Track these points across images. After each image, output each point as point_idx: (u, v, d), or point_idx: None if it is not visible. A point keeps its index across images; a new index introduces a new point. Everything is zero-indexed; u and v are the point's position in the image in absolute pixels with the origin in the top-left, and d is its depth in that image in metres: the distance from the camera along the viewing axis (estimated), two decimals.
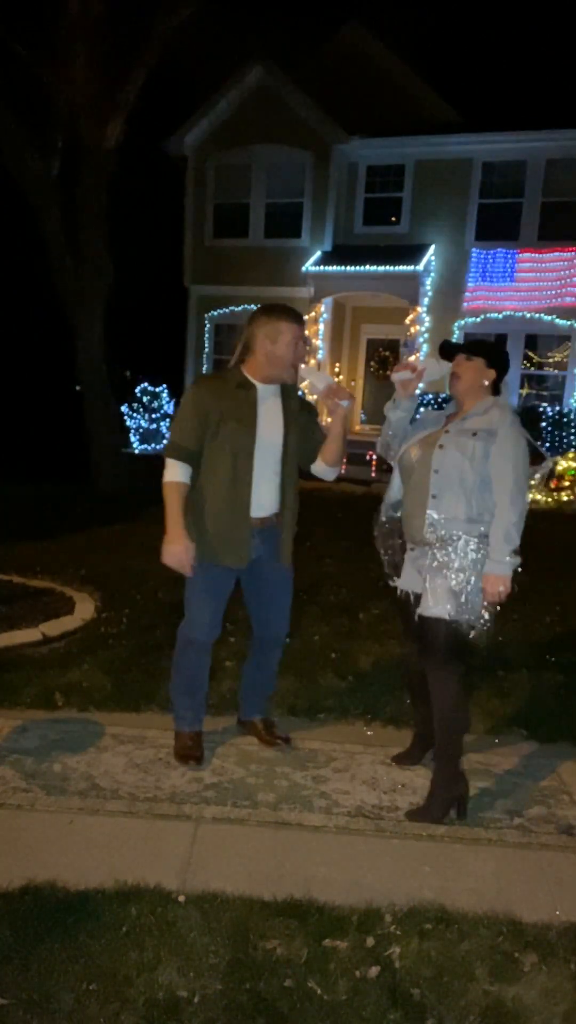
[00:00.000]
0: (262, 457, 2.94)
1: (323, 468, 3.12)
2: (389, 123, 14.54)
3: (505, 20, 22.13)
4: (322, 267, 14.41)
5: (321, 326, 14.60)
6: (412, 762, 3.22)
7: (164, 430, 15.97)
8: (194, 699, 3.20)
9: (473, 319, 14.70)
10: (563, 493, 11.00)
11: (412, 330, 14.38)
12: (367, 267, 14.04)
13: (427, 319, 14.65)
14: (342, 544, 7.02)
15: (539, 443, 12.26)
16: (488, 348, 2.93)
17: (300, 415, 3.04)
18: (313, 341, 14.31)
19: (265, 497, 2.98)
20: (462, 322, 14.72)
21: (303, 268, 14.57)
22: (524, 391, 14.62)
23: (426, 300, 14.68)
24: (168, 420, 15.96)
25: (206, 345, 16.17)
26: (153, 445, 15.65)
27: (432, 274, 14.76)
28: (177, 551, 2.90)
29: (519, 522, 2.72)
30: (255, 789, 2.99)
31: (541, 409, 13.16)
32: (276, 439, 2.97)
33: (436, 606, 2.76)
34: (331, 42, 15.95)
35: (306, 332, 3.03)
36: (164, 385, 16.27)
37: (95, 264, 10.34)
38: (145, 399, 16.08)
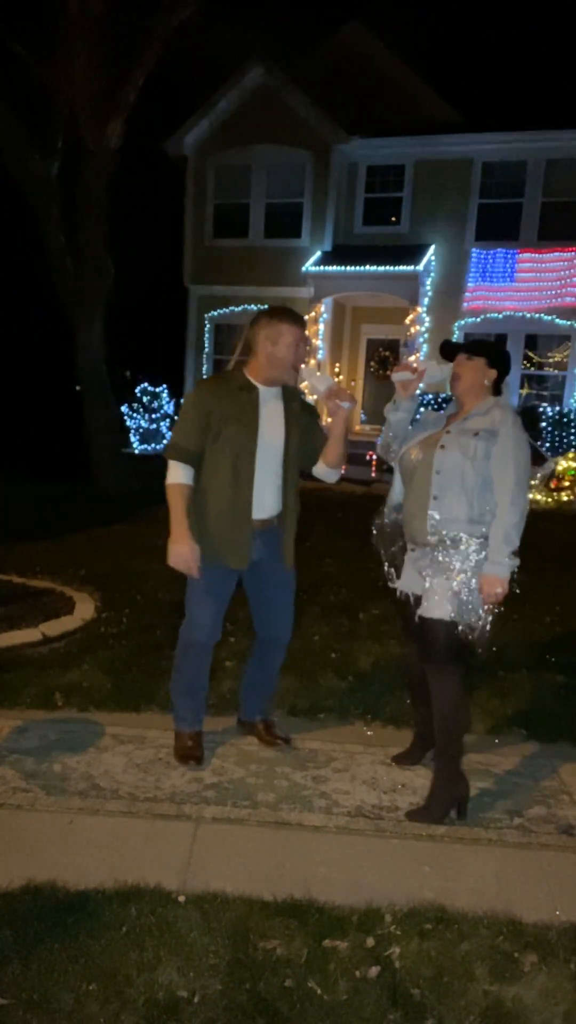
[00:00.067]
0: (264, 459, 2.94)
1: (324, 470, 3.12)
2: (389, 123, 14.53)
3: (505, 20, 22.16)
4: (322, 267, 14.39)
5: (321, 326, 14.58)
6: (412, 762, 3.22)
7: (164, 430, 15.97)
8: (194, 699, 3.20)
9: (473, 319, 14.69)
10: (563, 493, 11.00)
11: (412, 330, 14.37)
12: (367, 267, 14.03)
13: (427, 319, 14.65)
14: (342, 544, 7.02)
15: (539, 443, 12.28)
16: (489, 348, 2.92)
17: (301, 417, 3.05)
18: (313, 341, 14.30)
19: (267, 499, 2.99)
20: (462, 322, 14.71)
21: (303, 268, 14.56)
22: (524, 391, 14.62)
23: (426, 300, 14.68)
24: (168, 420, 15.97)
25: (206, 345, 16.16)
26: (153, 445, 15.65)
27: (432, 274, 14.75)
28: (183, 552, 2.90)
29: (519, 523, 2.71)
30: (255, 789, 3.00)
31: (541, 409, 13.15)
32: (277, 441, 2.97)
33: (437, 607, 2.75)
34: (331, 42, 15.95)
35: (306, 333, 3.04)
36: (164, 385, 16.26)
37: (95, 264, 10.34)
38: (145, 399, 16.07)
